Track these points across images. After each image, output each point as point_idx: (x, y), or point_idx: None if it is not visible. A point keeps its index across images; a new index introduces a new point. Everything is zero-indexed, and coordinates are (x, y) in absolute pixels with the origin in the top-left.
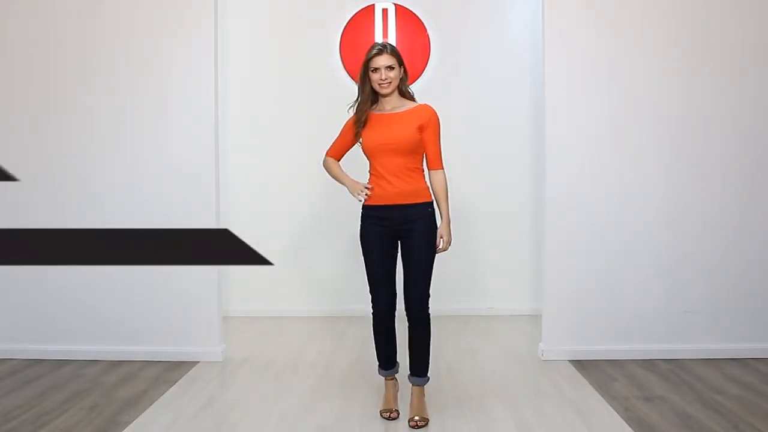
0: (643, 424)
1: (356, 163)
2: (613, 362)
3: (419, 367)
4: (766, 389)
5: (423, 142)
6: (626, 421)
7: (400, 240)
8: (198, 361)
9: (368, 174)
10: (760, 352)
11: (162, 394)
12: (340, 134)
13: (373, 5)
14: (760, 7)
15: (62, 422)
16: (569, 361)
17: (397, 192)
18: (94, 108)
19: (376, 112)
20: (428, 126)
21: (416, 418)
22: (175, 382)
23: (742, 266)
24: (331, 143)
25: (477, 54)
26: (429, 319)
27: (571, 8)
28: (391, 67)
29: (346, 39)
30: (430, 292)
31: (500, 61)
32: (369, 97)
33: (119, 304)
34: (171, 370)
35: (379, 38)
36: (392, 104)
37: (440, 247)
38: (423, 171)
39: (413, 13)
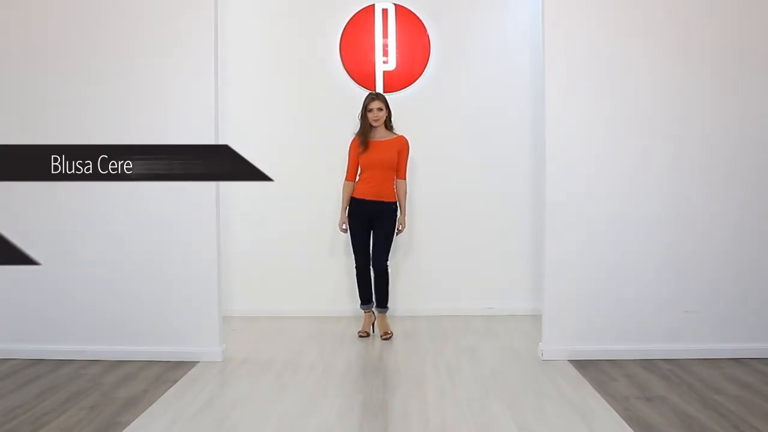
0: (643, 424)
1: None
2: (613, 362)
3: (382, 300)
4: (766, 389)
5: (398, 161)
6: (626, 421)
7: (371, 222)
8: (198, 361)
9: (358, 177)
10: (760, 352)
11: (162, 394)
12: (350, 160)
13: (373, 5)
14: (761, 7)
15: (62, 422)
16: (569, 361)
17: (375, 192)
18: (93, 107)
19: (370, 139)
20: (403, 151)
21: (386, 332)
22: (175, 382)
23: (743, 266)
24: (346, 169)
25: (477, 54)
26: (388, 272)
27: (571, 8)
28: (380, 109)
29: (346, 39)
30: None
31: (500, 61)
32: (367, 129)
33: (119, 305)
34: (171, 370)
35: (379, 38)
36: (381, 134)
37: (399, 229)
38: (393, 181)
39: (413, 13)
